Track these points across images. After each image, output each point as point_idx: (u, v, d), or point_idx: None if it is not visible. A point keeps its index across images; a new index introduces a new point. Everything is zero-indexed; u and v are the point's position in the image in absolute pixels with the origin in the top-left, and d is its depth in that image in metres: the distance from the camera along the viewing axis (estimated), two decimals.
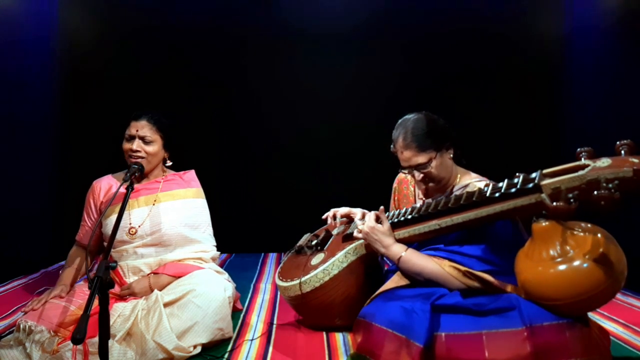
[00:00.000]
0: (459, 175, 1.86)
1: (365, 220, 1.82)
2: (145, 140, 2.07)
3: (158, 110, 2.18)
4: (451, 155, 1.83)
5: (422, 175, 1.79)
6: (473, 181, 1.79)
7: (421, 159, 1.76)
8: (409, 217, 1.76)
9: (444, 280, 1.63)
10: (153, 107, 2.22)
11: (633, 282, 1.58)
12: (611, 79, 3.04)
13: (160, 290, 1.91)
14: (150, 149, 2.08)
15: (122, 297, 1.94)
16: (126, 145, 2.08)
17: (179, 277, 1.99)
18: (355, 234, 1.85)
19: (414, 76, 3.81)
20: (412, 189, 2.03)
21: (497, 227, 1.65)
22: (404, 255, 1.70)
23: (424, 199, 1.94)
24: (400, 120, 1.86)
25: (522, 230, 1.65)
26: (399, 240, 1.78)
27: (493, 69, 3.78)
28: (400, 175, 2.10)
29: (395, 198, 2.10)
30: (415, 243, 1.82)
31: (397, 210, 1.87)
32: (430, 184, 1.83)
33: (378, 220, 1.80)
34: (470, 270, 1.61)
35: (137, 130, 2.07)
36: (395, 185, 2.12)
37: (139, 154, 2.06)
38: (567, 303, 1.38)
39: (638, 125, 2.71)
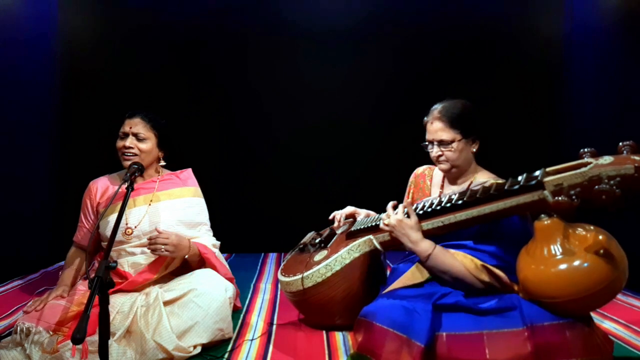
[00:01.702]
0: (477, 174, 1.88)
1: (391, 212, 1.78)
2: (138, 137, 2.04)
3: (156, 109, 2.17)
4: (474, 150, 1.86)
5: (440, 153, 1.82)
6: (491, 180, 1.79)
7: (446, 135, 1.80)
8: (419, 213, 1.76)
9: (470, 282, 1.62)
10: (153, 107, 2.21)
11: (633, 282, 1.57)
12: (611, 78, 3.04)
13: (188, 256, 1.95)
14: (143, 146, 2.05)
15: (121, 283, 1.93)
16: (119, 143, 2.05)
17: (205, 261, 2.02)
18: (382, 225, 1.81)
19: (413, 76, 3.81)
20: (429, 182, 2.03)
21: (510, 224, 1.66)
22: (433, 253, 1.67)
23: (440, 192, 1.94)
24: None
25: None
26: None
27: (493, 68, 3.78)
28: (418, 170, 2.11)
29: (411, 191, 2.10)
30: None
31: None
32: (444, 165, 1.85)
33: (406, 213, 1.76)
34: (486, 265, 1.62)
35: (130, 128, 2.04)
36: (412, 179, 2.12)
37: (131, 151, 2.03)
38: (568, 301, 1.38)
39: (638, 125, 2.71)
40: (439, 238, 1.75)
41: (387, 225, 1.78)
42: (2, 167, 2.99)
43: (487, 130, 1.88)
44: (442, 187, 1.96)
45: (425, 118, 1.89)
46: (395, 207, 1.82)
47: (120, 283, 1.94)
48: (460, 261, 1.64)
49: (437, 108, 1.86)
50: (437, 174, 2.03)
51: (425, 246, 1.69)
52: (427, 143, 1.88)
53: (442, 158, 1.84)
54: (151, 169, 2.15)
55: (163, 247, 1.88)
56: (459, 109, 1.82)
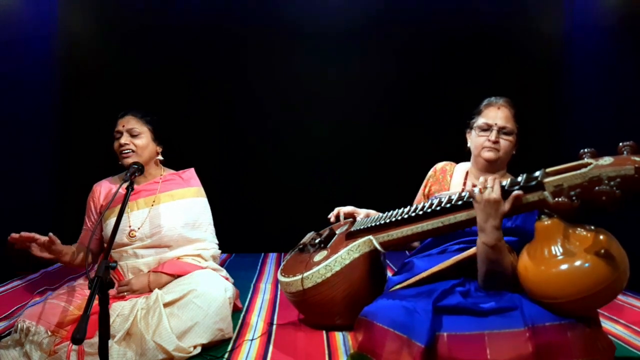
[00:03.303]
0: (505, 178, 1.88)
1: (487, 184, 1.58)
2: (132, 133, 2.05)
3: (156, 109, 2.18)
4: (514, 152, 1.90)
5: (497, 139, 1.83)
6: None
7: (510, 124, 1.85)
8: (419, 213, 1.76)
9: (507, 278, 1.59)
10: (153, 107, 2.22)
11: (634, 282, 1.57)
12: (611, 78, 3.04)
13: (159, 288, 1.91)
14: (139, 142, 2.05)
15: (120, 295, 1.93)
16: (116, 144, 2.06)
17: (178, 276, 1.98)
18: (469, 189, 1.62)
19: (413, 75, 3.82)
20: (449, 178, 2.02)
21: (525, 222, 1.67)
22: (500, 244, 1.58)
23: (463, 189, 1.92)
24: None
25: None
26: (408, 238, 1.79)
27: (492, 68, 3.78)
28: (439, 165, 2.10)
29: (428, 184, 2.08)
30: (430, 238, 1.84)
31: (423, 201, 1.84)
32: (492, 154, 1.84)
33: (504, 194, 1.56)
34: (512, 247, 1.62)
35: (123, 126, 2.05)
36: (430, 172, 2.10)
37: (128, 147, 2.03)
38: (570, 301, 1.38)
39: (638, 125, 2.71)
40: (449, 236, 1.75)
41: (479, 193, 1.58)
42: (1, 167, 2.99)
43: (526, 138, 1.93)
44: (464, 184, 1.95)
45: (487, 103, 1.91)
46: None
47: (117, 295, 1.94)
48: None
49: (504, 98, 1.89)
50: (459, 171, 2.01)
51: (497, 235, 1.57)
52: (481, 126, 1.87)
53: (496, 145, 1.83)
54: (151, 167, 2.15)
55: (126, 292, 1.93)
56: (521, 110, 1.88)
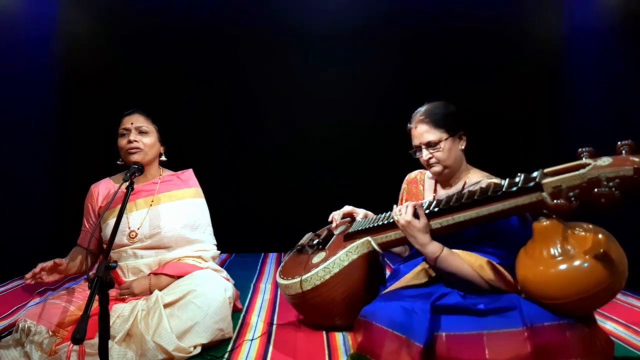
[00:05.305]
0: (470, 173, 1.87)
1: (400, 210, 1.75)
2: (141, 130, 2.04)
3: (156, 109, 2.18)
4: (463, 147, 1.85)
5: (429, 155, 1.81)
6: (484, 179, 1.79)
7: (432, 136, 1.80)
8: None
9: (476, 283, 1.62)
10: (153, 107, 2.21)
11: (633, 282, 1.58)
12: (611, 79, 3.04)
13: (160, 290, 1.91)
14: (147, 140, 2.05)
15: (121, 298, 1.93)
16: (122, 141, 2.04)
17: (179, 277, 1.98)
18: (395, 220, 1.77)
19: (412, 76, 3.81)
20: (422, 187, 2.03)
21: (512, 226, 1.67)
22: (440, 255, 1.66)
23: (434, 195, 1.93)
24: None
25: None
26: (406, 239, 1.78)
27: (493, 69, 3.78)
28: (410, 176, 2.10)
29: (403, 198, 2.09)
30: None
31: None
32: (436, 168, 1.83)
33: (415, 214, 1.72)
34: (492, 262, 1.63)
35: (132, 123, 2.04)
36: (404, 185, 2.11)
37: (136, 145, 2.02)
38: (568, 302, 1.38)
39: (638, 125, 2.71)
40: (446, 241, 1.76)
41: (396, 222, 1.75)
42: (1, 167, 2.99)
43: (472, 125, 1.88)
44: (435, 190, 1.95)
45: (409, 125, 1.89)
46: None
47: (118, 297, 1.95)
48: (466, 260, 1.64)
49: (418, 112, 1.86)
50: (428, 180, 2.02)
51: (433, 249, 1.67)
52: (414, 150, 1.88)
53: (432, 161, 1.83)
54: (153, 168, 2.14)
55: (127, 295, 1.93)
56: (440, 108, 1.83)
